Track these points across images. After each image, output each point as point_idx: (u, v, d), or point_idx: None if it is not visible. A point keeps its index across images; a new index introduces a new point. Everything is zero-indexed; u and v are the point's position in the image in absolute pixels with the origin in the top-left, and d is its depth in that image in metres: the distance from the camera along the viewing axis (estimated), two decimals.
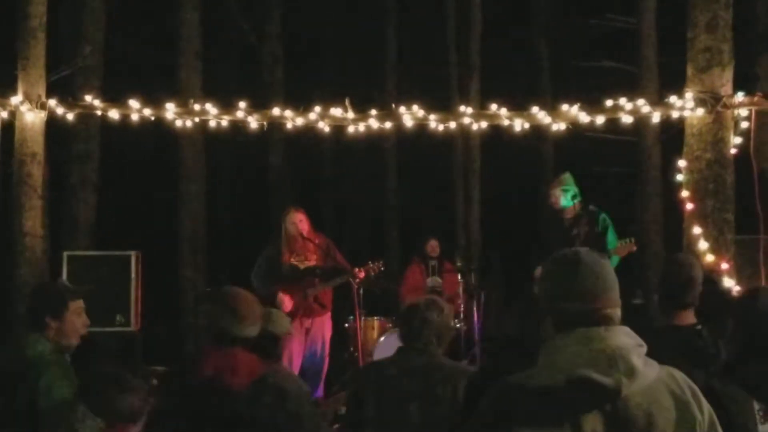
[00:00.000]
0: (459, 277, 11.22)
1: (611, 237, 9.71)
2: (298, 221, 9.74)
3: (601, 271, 2.93)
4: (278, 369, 4.93)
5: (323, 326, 9.87)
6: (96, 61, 13.78)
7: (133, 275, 9.81)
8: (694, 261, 5.11)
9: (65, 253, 10.21)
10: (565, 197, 9.73)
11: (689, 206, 9.49)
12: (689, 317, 4.84)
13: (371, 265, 9.74)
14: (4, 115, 10.05)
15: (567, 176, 9.84)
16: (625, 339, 2.80)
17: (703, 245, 9.25)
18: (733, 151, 9.57)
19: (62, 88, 11.30)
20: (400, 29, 19.08)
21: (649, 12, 15.05)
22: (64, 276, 9.80)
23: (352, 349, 10.35)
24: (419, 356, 4.90)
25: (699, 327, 4.83)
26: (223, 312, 4.89)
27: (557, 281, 2.96)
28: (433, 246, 12.27)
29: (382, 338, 10.26)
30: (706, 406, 2.86)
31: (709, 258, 9.12)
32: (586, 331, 2.79)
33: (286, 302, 9.29)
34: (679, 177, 9.71)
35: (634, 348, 2.78)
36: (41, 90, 10.33)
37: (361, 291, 9.82)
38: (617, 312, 2.89)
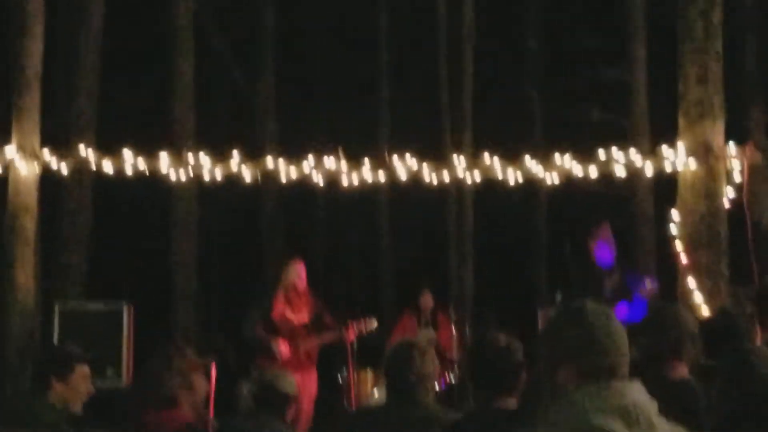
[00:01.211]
0: (453, 329, 11.23)
1: None
2: (297, 272, 9.80)
3: (616, 325, 2.98)
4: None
5: (311, 381, 9.89)
6: (90, 111, 13.86)
7: (125, 327, 9.77)
8: (686, 313, 5.13)
9: (57, 306, 10.18)
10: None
11: (683, 259, 9.57)
12: (683, 371, 4.84)
13: (364, 323, 9.73)
14: None
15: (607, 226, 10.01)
16: (641, 395, 2.84)
17: (698, 297, 9.32)
18: (726, 203, 9.67)
19: (55, 138, 11.35)
20: (394, 80, 19.20)
21: (639, 63, 15.21)
22: (56, 328, 9.83)
23: (345, 403, 10.27)
24: (408, 404, 4.80)
25: (690, 381, 4.85)
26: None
27: (573, 335, 2.98)
28: (426, 299, 12.26)
29: (375, 389, 10.24)
30: None
31: (704, 311, 9.18)
32: (605, 386, 2.84)
33: (284, 351, 9.31)
34: (673, 230, 9.80)
35: (651, 404, 2.83)
36: (35, 141, 10.38)
37: (355, 345, 9.80)
38: (627, 368, 2.93)
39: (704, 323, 8.07)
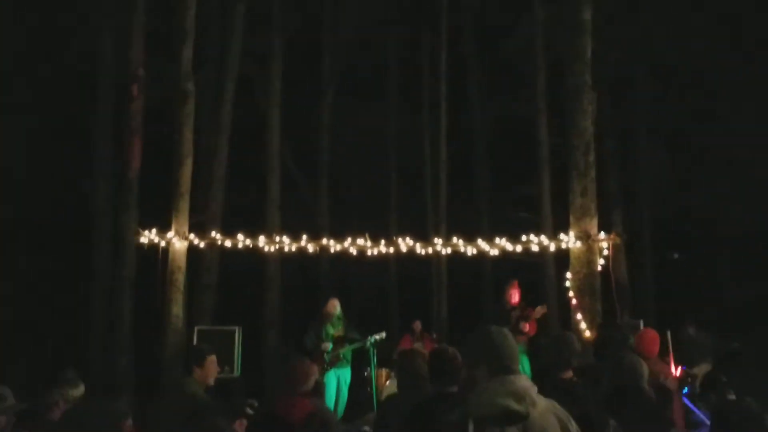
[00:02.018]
0: (435, 344, 11.22)
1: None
2: (334, 305, 9.85)
3: (511, 341, 3.14)
4: (321, 406, 4.93)
5: (346, 375, 9.88)
6: (217, 210, 14.01)
7: (236, 341, 9.81)
8: (572, 338, 5.15)
9: (196, 328, 10.25)
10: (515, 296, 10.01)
11: (573, 302, 9.58)
12: (570, 374, 4.88)
13: (378, 336, 9.57)
14: (163, 243, 10.29)
15: (516, 283, 10.12)
16: (527, 382, 2.97)
17: (583, 326, 9.33)
18: (599, 268, 9.63)
19: (197, 226, 11.49)
20: (398, 196, 19.28)
21: (545, 184, 15.36)
22: (195, 341, 9.83)
23: (368, 389, 10.18)
24: (413, 389, 4.84)
25: (575, 379, 4.89)
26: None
27: (486, 346, 3.13)
28: (417, 324, 12.29)
29: (388, 381, 10.17)
30: (574, 425, 3.03)
31: (587, 334, 9.19)
32: (504, 378, 2.97)
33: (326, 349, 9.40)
34: (568, 284, 9.84)
35: (532, 388, 2.96)
36: (185, 228, 10.54)
37: (375, 352, 9.65)
38: (518, 366, 3.06)
39: (594, 339, 8.15)
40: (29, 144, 16.27)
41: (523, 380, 2.97)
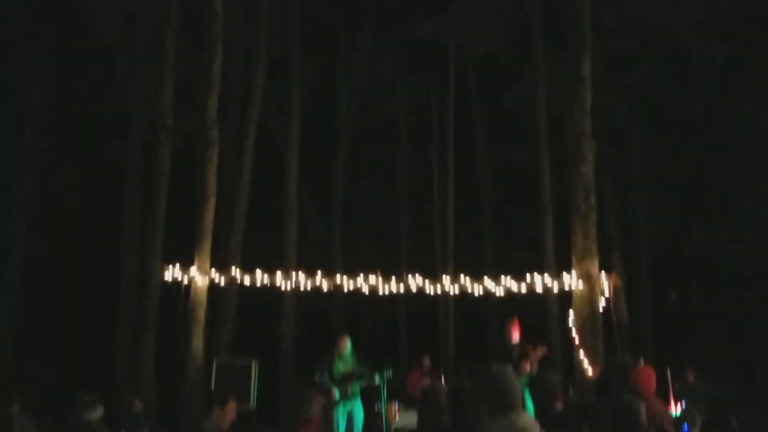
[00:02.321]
0: (443, 379, 11.12)
1: None
2: (346, 342, 9.72)
3: (512, 378, 3.12)
4: None
5: (358, 410, 9.69)
6: (237, 249, 14.04)
7: (253, 374, 9.81)
8: (555, 375, 5.19)
9: (215, 361, 10.23)
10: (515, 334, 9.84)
11: (576, 340, 9.52)
12: (560, 405, 4.86)
13: (386, 372, 9.37)
14: (186, 280, 10.32)
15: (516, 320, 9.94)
16: (528, 420, 2.96)
17: (585, 364, 9.25)
18: (600, 308, 9.61)
19: (218, 263, 11.44)
20: (408, 235, 19.27)
21: (548, 227, 15.29)
22: (213, 375, 9.79)
23: (379, 423, 10.01)
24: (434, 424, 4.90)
25: (564, 410, 4.90)
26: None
27: (486, 386, 3.11)
28: (426, 360, 12.14)
29: (397, 414, 10.03)
30: None
31: (590, 372, 9.10)
32: (505, 417, 2.95)
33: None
34: (570, 323, 9.77)
35: (534, 425, 2.95)
36: (207, 265, 10.57)
37: (385, 387, 9.53)
38: (521, 403, 3.06)
39: (595, 377, 8.05)
40: (65, 186, 16.53)
41: (525, 418, 2.96)
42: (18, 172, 15.66)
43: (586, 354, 9.27)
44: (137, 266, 13.29)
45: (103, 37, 15.02)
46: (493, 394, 3.05)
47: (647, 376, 6.07)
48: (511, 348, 9.68)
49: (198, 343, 10.31)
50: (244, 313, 14.02)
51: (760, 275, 15.84)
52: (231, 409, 5.29)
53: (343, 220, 18.24)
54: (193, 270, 10.26)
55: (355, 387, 9.61)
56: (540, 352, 9.59)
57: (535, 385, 5.12)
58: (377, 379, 9.25)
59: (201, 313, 10.33)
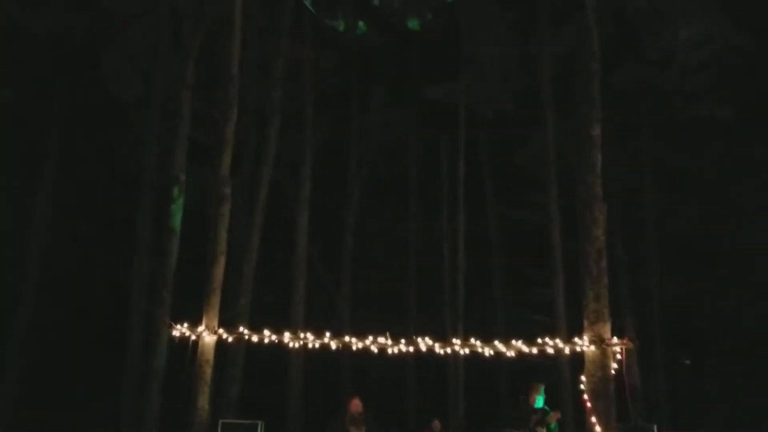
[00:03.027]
0: None
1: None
2: (357, 404, 9.61)
3: None
4: None
5: None
6: (245, 307, 13.99)
7: None
8: None
9: (221, 421, 10.03)
10: (538, 401, 9.70)
11: (588, 404, 9.35)
12: None
13: None
14: (194, 336, 10.25)
15: (542, 387, 9.79)
16: None
17: (597, 429, 9.06)
18: (613, 371, 9.44)
19: (226, 322, 11.37)
20: (417, 299, 19.15)
21: (559, 289, 15.20)
22: None
23: None
24: None
25: None
26: None
27: None
28: (436, 424, 11.94)
29: None
30: None
31: None
32: None
33: None
34: (582, 387, 9.63)
35: None
36: (215, 323, 10.49)
37: None
38: None
39: None
40: (75, 241, 16.65)
41: None
42: (29, 227, 15.80)
43: (598, 419, 9.08)
44: (145, 323, 13.25)
45: (120, 94, 15.33)
46: None
47: None
48: (531, 412, 9.55)
49: (204, 402, 10.17)
50: (251, 373, 13.88)
51: None
52: None
53: (353, 279, 18.17)
54: (201, 327, 10.20)
55: None
56: (555, 416, 9.50)
57: None
58: None
59: (208, 371, 10.22)
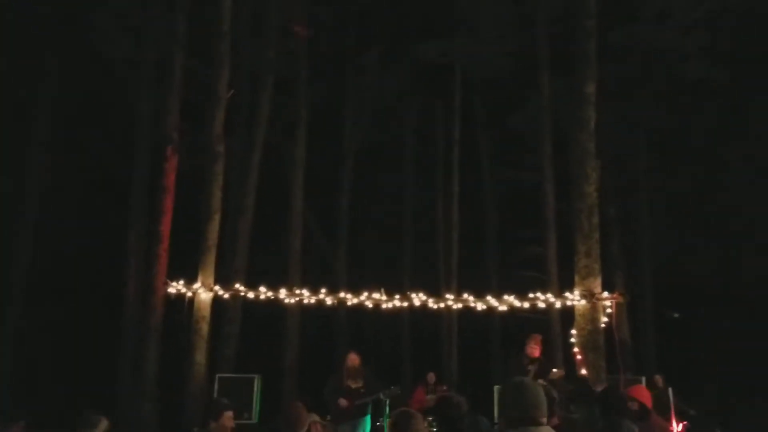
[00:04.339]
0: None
1: None
2: (354, 359, 9.60)
3: (537, 392, 2.94)
4: None
5: (364, 425, 9.58)
6: (242, 265, 13.99)
7: (255, 389, 9.68)
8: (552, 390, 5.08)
9: (217, 375, 10.14)
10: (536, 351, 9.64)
11: (578, 357, 9.46)
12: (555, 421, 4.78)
13: (393, 389, 9.29)
14: (190, 293, 10.31)
15: (539, 338, 9.80)
16: None
17: (588, 380, 9.15)
18: (603, 325, 9.56)
19: (222, 278, 11.47)
20: (412, 255, 19.29)
21: (551, 245, 15.25)
22: (215, 389, 9.69)
23: None
24: None
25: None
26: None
27: (510, 396, 3.00)
28: (431, 376, 12.08)
29: None
30: None
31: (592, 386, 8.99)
32: (525, 429, 2.83)
33: (343, 403, 9.02)
34: (573, 340, 9.72)
35: None
36: (211, 280, 10.58)
37: (388, 402, 9.26)
38: (544, 418, 2.88)
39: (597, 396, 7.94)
40: (70, 201, 16.55)
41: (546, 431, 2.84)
42: (23, 186, 15.70)
43: (589, 371, 9.19)
44: (141, 280, 13.26)
45: (110, 53, 15.08)
46: (507, 408, 2.94)
47: (640, 396, 6.00)
48: (527, 363, 9.54)
49: (201, 357, 10.28)
50: (247, 329, 13.96)
51: (762, 293, 15.76)
52: (227, 420, 5.20)
53: (348, 238, 18.19)
54: (197, 284, 10.25)
55: (366, 405, 9.46)
56: (557, 373, 9.41)
57: None
58: (382, 395, 9.15)
59: (204, 327, 10.32)
